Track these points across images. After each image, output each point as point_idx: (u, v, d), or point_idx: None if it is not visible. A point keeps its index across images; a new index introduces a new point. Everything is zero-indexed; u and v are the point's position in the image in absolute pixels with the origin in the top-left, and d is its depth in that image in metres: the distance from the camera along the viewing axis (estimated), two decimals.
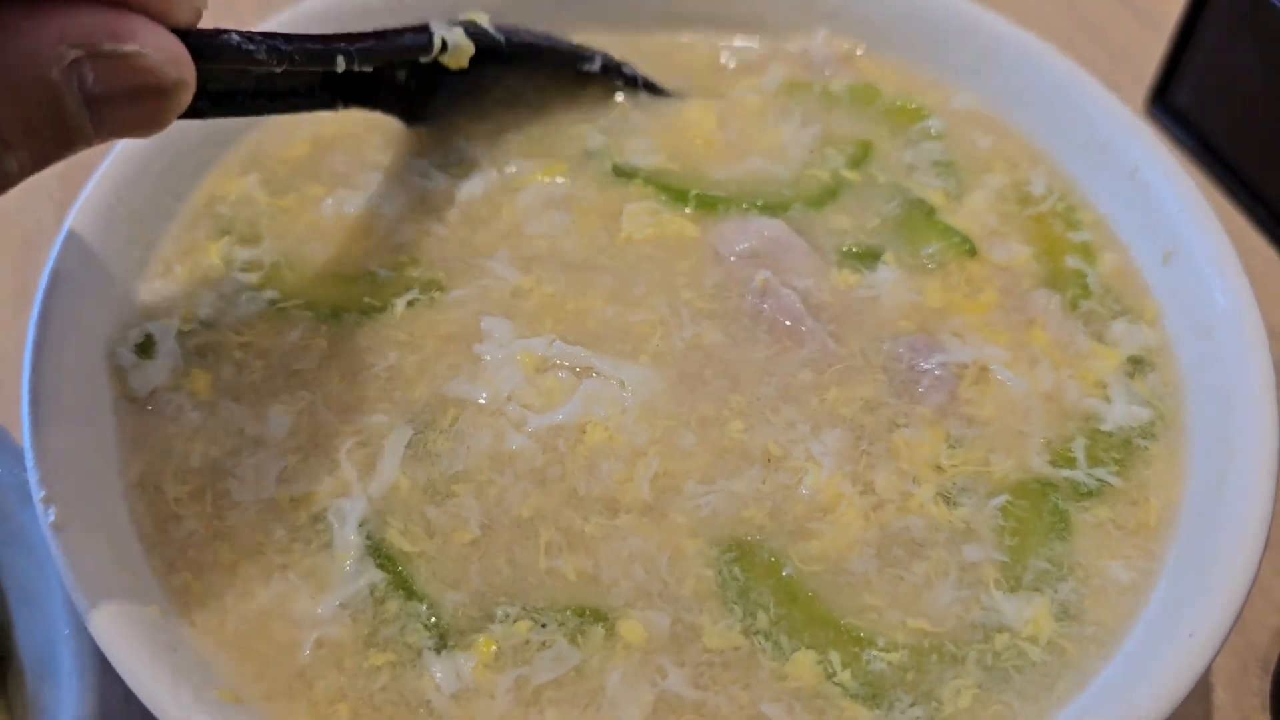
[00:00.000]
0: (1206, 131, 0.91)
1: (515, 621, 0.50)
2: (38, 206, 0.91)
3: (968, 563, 0.54)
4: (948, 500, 0.56)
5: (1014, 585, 0.53)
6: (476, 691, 0.48)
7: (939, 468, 0.56)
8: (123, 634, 0.43)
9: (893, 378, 0.59)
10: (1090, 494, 0.56)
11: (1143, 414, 0.58)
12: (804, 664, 0.50)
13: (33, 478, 0.48)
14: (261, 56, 0.50)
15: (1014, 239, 0.66)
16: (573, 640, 0.49)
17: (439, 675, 0.48)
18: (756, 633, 0.50)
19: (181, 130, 0.63)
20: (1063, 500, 0.55)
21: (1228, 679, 0.66)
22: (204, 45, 0.45)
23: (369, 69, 0.58)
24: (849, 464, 0.55)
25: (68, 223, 0.60)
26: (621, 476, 0.54)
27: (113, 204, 0.59)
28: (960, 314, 0.61)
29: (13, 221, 0.89)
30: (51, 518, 0.46)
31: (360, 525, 0.52)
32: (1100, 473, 0.56)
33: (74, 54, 0.39)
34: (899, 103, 0.74)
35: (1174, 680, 0.45)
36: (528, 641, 0.50)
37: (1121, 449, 0.57)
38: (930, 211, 0.67)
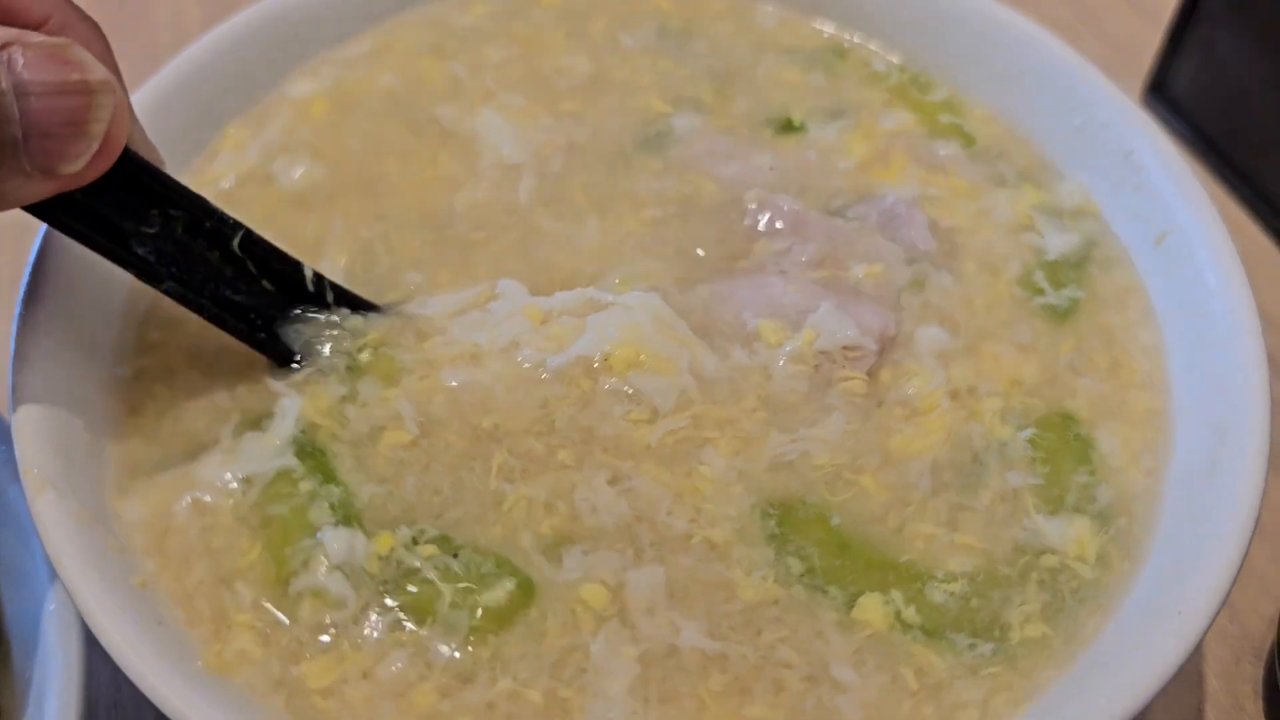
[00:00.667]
0: (1202, 121, 0.91)
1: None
2: None
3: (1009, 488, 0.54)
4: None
5: (1055, 508, 0.53)
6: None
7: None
8: (107, 609, 0.43)
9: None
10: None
11: (1073, 239, 0.62)
12: (871, 607, 0.49)
13: (17, 450, 0.48)
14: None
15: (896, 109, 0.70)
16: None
17: (332, 545, 0.48)
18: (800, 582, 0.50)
19: (174, 114, 0.63)
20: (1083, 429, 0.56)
21: (1221, 667, 0.66)
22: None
23: None
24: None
25: None
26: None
27: None
28: (882, 178, 0.64)
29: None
30: (35, 489, 0.46)
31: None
32: (1067, 292, 0.59)
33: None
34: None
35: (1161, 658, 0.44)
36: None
37: (1075, 269, 0.61)
38: None
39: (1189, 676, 0.66)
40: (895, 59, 0.73)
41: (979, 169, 0.66)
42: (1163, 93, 0.94)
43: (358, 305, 0.57)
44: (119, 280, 0.57)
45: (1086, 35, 1.00)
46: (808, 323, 0.56)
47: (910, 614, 0.49)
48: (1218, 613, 0.47)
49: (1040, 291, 0.60)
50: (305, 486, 0.51)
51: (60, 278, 0.55)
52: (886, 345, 0.57)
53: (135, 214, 0.50)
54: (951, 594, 0.50)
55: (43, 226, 0.57)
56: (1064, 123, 0.66)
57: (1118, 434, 0.56)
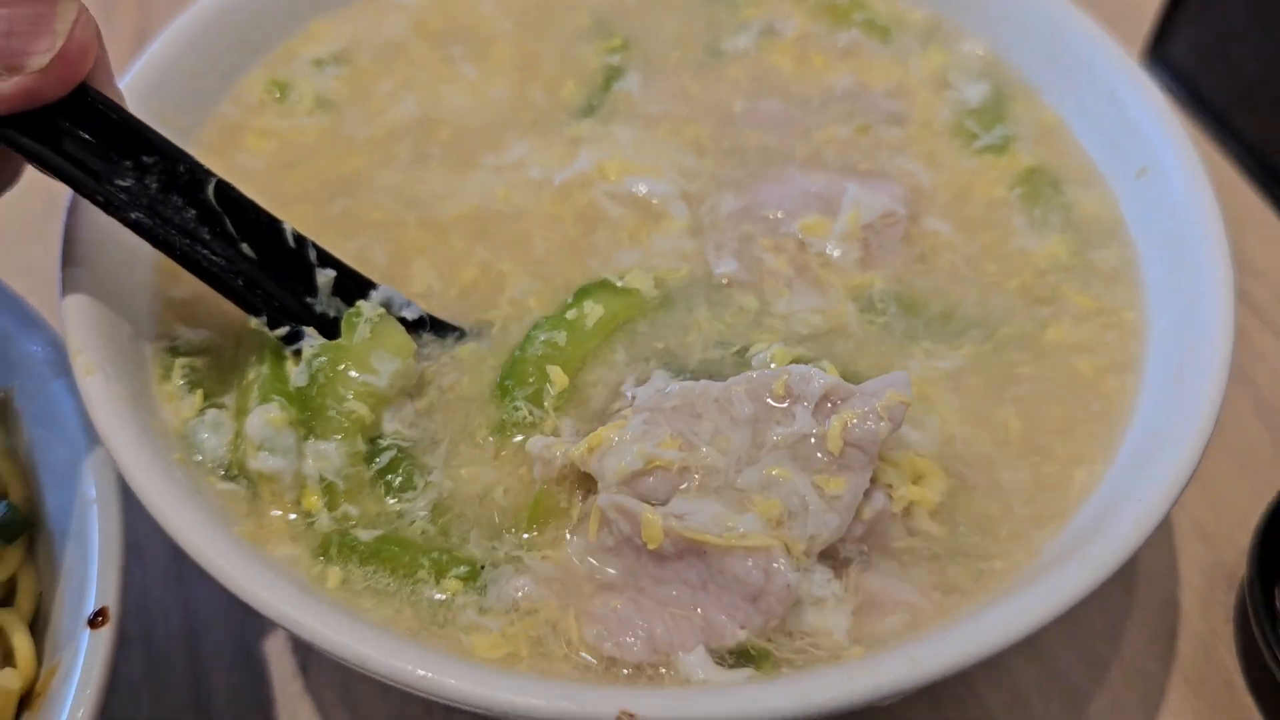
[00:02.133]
0: (1199, 84, 0.94)
1: None
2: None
3: None
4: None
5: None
6: None
7: None
8: (152, 479, 0.47)
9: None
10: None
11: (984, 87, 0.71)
12: None
13: (67, 336, 0.51)
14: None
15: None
16: None
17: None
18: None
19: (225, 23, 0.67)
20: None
21: (1196, 594, 0.69)
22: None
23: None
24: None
25: None
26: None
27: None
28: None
29: None
30: (84, 371, 0.49)
31: None
32: (998, 130, 0.68)
33: None
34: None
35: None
36: None
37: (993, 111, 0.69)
38: None
39: (1166, 601, 0.69)
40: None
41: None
42: (1161, 57, 0.97)
43: (346, 273, 0.58)
44: None
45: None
46: (843, 206, 0.61)
47: None
48: (1171, 505, 0.49)
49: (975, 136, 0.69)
50: None
51: None
52: (912, 209, 0.63)
53: (110, 158, 0.52)
54: None
55: None
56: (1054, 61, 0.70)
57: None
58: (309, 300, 0.57)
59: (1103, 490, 0.53)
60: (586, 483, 0.51)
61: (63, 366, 0.55)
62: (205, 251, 0.54)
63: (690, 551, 0.47)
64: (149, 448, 0.48)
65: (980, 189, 0.67)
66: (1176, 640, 0.68)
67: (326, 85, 0.69)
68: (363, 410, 0.53)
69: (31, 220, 0.84)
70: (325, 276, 0.57)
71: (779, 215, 0.62)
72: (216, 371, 0.57)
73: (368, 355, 0.54)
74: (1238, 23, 0.88)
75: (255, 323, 0.55)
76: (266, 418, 0.52)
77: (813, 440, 0.49)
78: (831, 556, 0.50)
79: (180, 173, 0.53)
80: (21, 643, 0.55)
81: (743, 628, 0.46)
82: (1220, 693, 0.66)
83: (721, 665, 0.46)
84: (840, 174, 0.65)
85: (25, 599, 0.58)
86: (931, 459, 0.54)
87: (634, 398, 0.53)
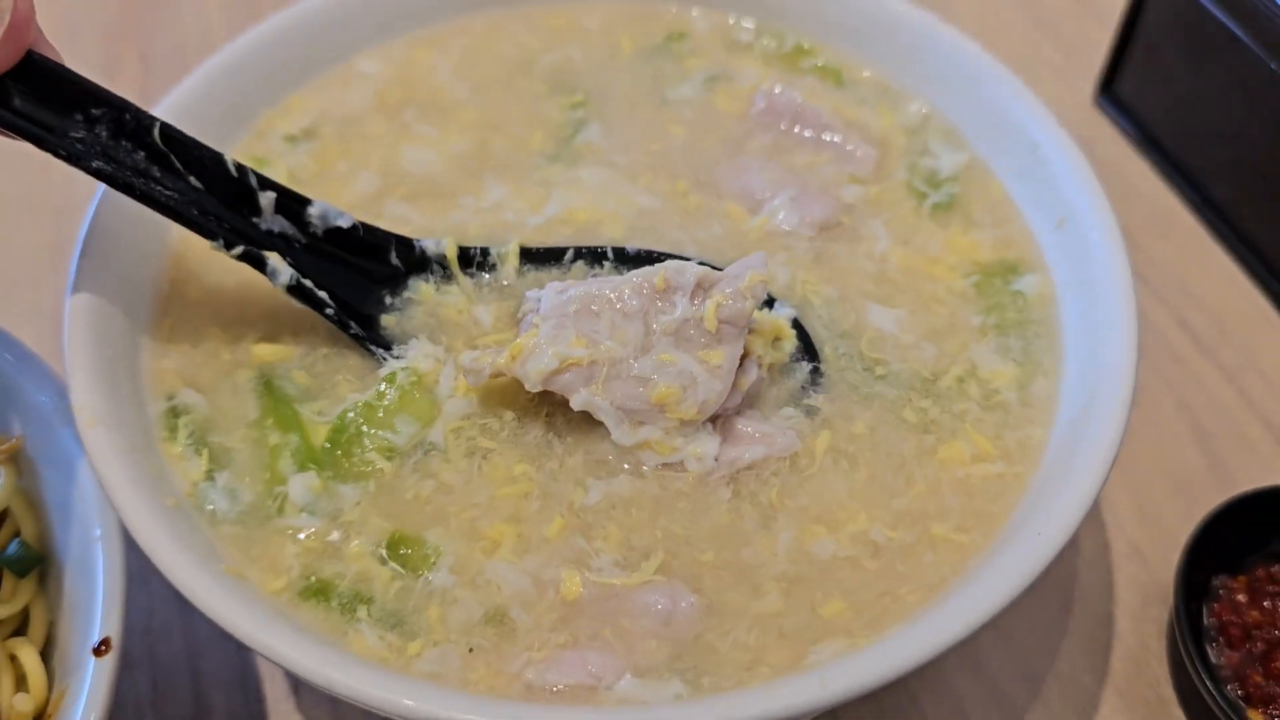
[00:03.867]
0: (1147, 121, 0.99)
1: None
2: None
3: None
4: None
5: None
6: None
7: None
8: (146, 522, 0.52)
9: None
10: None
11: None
12: None
13: (71, 393, 0.57)
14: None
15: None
16: None
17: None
18: None
19: (214, 96, 0.72)
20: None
21: (1130, 610, 0.74)
22: None
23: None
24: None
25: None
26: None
27: None
28: None
29: (49, 193, 0.99)
30: (86, 424, 0.55)
31: None
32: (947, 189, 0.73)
33: None
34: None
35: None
36: None
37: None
38: None
39: (1102, 617, 0.74)
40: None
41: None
42: (1111, 94, 1.01)
43: (284, 192, 0.64)
44: (155, 255, 0.67)
45: (1042, 41, 1.08)
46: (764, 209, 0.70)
47: None
48: (1071, 533, 0.53)
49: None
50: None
51: (105, 251, 0.64)
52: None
53: (61, 113, 0.57)
54: None
55: (95, 196, 0.66)
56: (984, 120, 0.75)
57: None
58: (255, 220, 0.63)
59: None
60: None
61: (69, 416, 0.60)
62: (159, 188, 0.60)
63: (605, 595, 0.52)
64: (146, 496, 0.53)
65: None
66: (1110, 654, 0.72)
67: (298, 162, 0.74)
68: (381, 462, 0.59)
69: (39, 265, 0.90)
70: (267, 198, 0.63)
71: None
72: (219, 431, 0.62)
73: (393, 418, 0.59)
74: (1178, 64, 0.93)
75: (213, 245, 0.61)
76: (308, 485, 0.58)
77: (691, 322, 0.58)
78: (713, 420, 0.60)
79: (126, 120, 0.59)
80: (34, 669, 0.61)
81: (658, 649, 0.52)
82: (1151, 704, 0.70)
83: (651, 679, 0.51)
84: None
85: (37, 628, 0.63)
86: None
87: (540, 301, 0.61)
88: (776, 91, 0.76)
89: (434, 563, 0.55)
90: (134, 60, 1.09)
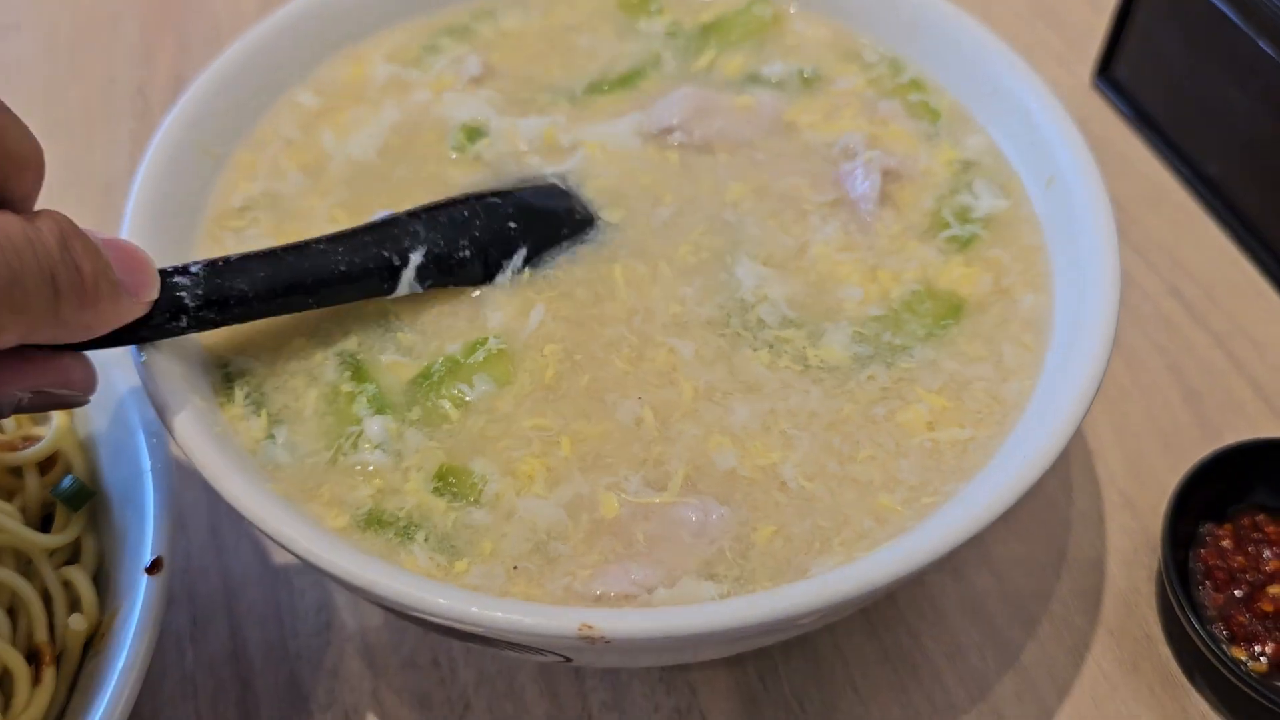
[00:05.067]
0: (1142, 102, 1.03)
1: None
2: (113, 156, 1.05)
3: None
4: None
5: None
6: None
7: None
8: (196, 438, 0.56)
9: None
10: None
11: (999, 201, 0.72)
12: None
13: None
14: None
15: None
16: None
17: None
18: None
19: (247, 65, 0.75)
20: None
21: (1121, 556, 0.78)
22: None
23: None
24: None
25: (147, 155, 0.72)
26: None
27: (186, 135, 0.71)
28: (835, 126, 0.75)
29: (94, 169, 1.03)
30: (141, 357, 0.59)
31: None
32: (970, 227, 0.70)
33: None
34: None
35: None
36: None
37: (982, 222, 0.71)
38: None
39: (1094, 564, 0.77)
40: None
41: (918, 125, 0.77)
42: (1109, 77, 1.05)
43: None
44: (199, 227, 0.71)
45: (1043, 26, 1.12)
46: None
47: None
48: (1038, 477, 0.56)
49: (947, 225, 0.71)
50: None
51: (150, 226, 0.66)
52: None
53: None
54: None
55: (139, 171, 0.70)
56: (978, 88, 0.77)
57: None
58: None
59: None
60: None
61: (119, 360, 0.64)
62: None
63: (641, 514, 0.56)
64: (202, 424, 0.57)
65: None
66: (1102, 598, 0.76)
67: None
68: (451, 411, 0.62)
69: None
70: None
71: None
72: (276, 390, 0.64)
73: (472, 374, 0.63)
74: (1171, 47, 0.97)
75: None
76: (385, 426, 0.61)
77: None
78: None
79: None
80: (87, 592, 0.65)
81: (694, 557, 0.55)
82: (1140, 642, 0.74)
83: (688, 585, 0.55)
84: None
85: (89, 557, 0.67)
86: None
87: None
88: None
89: (481, 491, 0.58)
90: (171, 44, 1.13)
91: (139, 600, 0.60)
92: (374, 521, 0.57)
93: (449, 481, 0.59)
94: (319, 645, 0.74)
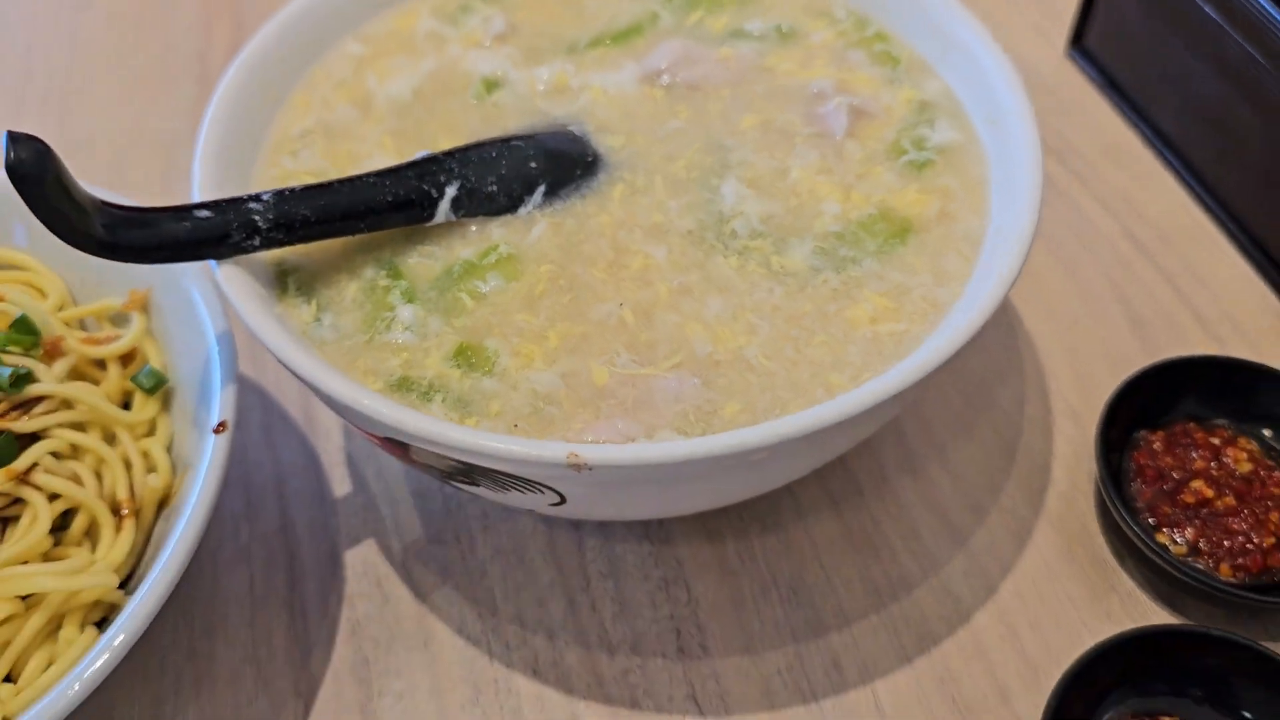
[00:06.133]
0: (1110, 69, 1.12)
1: None
2: (175, 116, 1.18)
3: None
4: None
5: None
6: None
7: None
8: (261, 317, 0.67)
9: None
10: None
11: (952, 134, 0.81)
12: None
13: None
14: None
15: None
16: None
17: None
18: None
19: (304, 17, 0.87)
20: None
21: (1064, 461, 0.87)
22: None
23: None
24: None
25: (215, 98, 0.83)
26: None
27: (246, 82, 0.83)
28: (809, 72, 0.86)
29: (159, 131, 1.16)
30: (218, 267, 0.70)
31: None
32: (926, 153, 0.80)
33: None
34: None
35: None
36: None
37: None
38: None
39: (1040, 466, 0.87)
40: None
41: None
42: (1081, 47, 1.15)
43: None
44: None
45: (1024, 0, 1.22)
46: None
47: None
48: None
49: (906, 151, 0.81)
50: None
51: (215, 180, 0.77)
52: None
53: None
54: None
55: (203, 127, 0.81)
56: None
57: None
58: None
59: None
60: None
61: (190, 271, 0.76)
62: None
63: (629, 383, 0.67)
64: (263, 306, 0.68)
65: None
66: (1046, 494, 0.86)
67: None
68: (468, 301, 0.73)
69: (151, 199, 1.07)
70: None
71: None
72: (322, 287, 0.75)
73: (485, 273, 0.74)
74: (1136, 19, 1.06)
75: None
76: (414, 313, 0.71)
77: None
78: None
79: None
80: (161, 458, 0.77)
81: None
82: (1077, 532, 0.83)
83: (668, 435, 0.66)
84: None
85: (162, 433, 0.79)
86: None
87: None
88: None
89: (493, 364, 0.69)
90: (229, 17, 1.26)
91: (207, 456, 0.71)
92: (402, 386, 0.69)
93: (466, 356, 0.70)
94: (356, 524, 0.85)
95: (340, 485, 0.88)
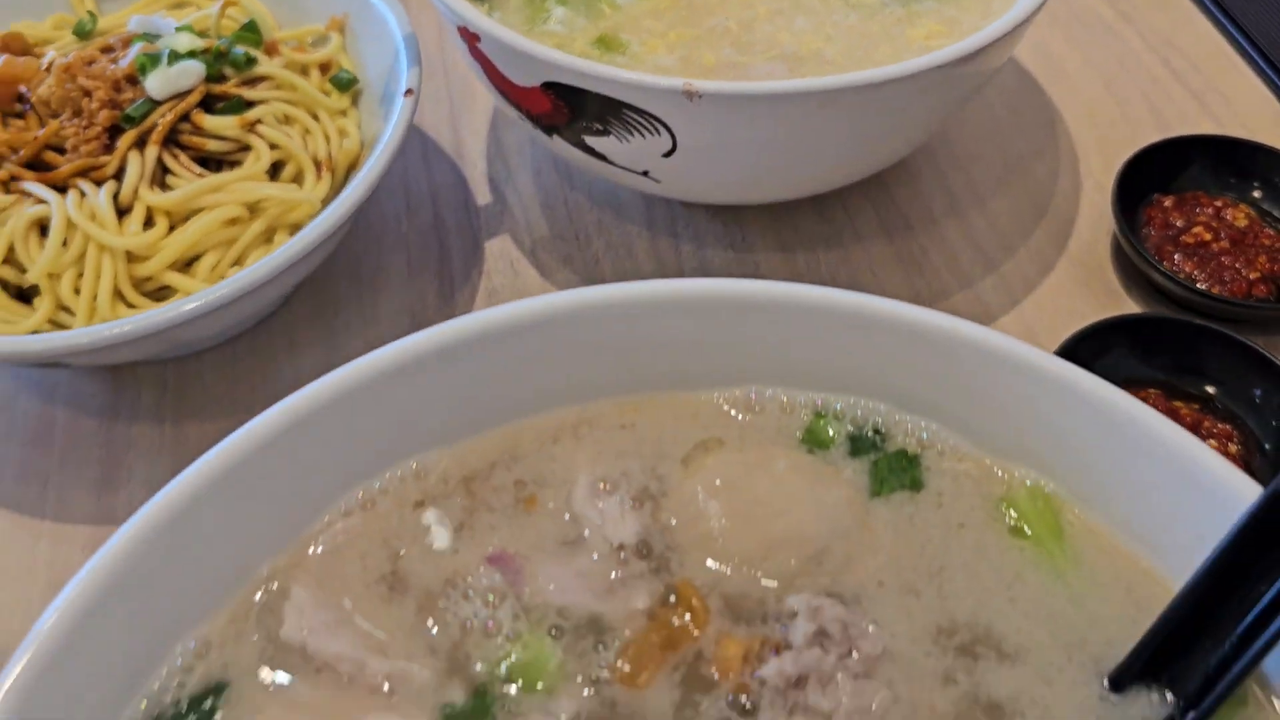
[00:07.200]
0: None
1: None
2: None
3: None
4: None
5: None
6: None
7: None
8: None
9: None
10: None
11: None
12: None
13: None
14: None
15: None
16: None
17: None
18: None
19: None
20: None
21: (1088, 217, 1.03)
22: None
23: None
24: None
25: None
26: None
27: None
28: None
29: None
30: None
31: None
32: None
33: None
34: None
35: None
36: None
37: None
38: None
39: (1067, 220, 1.03)
40: None
41: None
42: None
43: None
44: None
45: None
46: None
47: None
48: None
49: None
50: None
51: None
52: None
53: None
54: None
55: None
56: None
57: None
58: None
59: None
60: None
61: None
62: None
63: (730, 66, 0.86)
64: None
65: None
66: (1069, 241, 1.02)
67: None
68: (606, 9, 0.92)
69: None
70: None
71: None
72: None
73: None
74: None
75: None
76: (565, 12, 0.92)
77: None
78: None
79: None
80: (353, 129, 0.97)
81: None
82: (1093, 268, 0.99)
83: None
84: None
85: (354, 116, 0.99)
86: None
87: None
88: None
89: (626, 48, 0.88)
90: None
91: (395, 113, 0.91)
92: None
93: (605, 42, 0.89)
94: (495, 223, 1.05)
95: (482, 196, 1.07)
